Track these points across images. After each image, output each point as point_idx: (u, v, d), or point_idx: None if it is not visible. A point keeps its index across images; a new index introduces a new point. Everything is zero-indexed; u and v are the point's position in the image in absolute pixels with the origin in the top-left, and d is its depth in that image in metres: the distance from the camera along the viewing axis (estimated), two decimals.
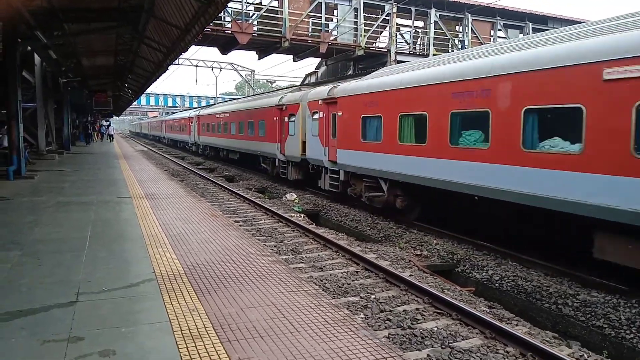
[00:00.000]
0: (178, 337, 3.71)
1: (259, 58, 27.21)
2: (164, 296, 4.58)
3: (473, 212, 10.32)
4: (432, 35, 26.82)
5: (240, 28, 22.23)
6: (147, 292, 4.69)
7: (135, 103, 59.52)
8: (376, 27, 25.84)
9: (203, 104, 63.77)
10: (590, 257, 7.18)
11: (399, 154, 11.10)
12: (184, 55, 22.41)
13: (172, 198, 10.85)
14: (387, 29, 26.47)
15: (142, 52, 19.24)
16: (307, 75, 33.16)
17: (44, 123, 20.56)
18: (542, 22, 28.97)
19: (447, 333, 5.44)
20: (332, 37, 24.93)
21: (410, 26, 27.75)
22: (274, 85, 50.19)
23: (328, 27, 25.00)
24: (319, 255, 8.72)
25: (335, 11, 25.76)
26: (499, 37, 28.58)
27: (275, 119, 18.76)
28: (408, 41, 27.88)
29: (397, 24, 26.50)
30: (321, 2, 24.03)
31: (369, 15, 25.24)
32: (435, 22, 26.84)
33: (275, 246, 9.14)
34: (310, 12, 23.95)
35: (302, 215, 12.99)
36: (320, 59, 30.44)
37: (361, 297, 6.51)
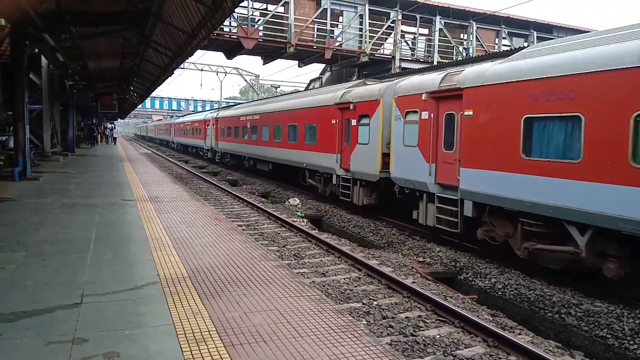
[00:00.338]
0: (182, 341, 3.73)
1: (264, 63, 27.36)
2: (168, 299, 4.60)
3: None
4: (436, 42, 26.92)
5: (246, 33, 22.39)
6: (151, 295, 4.72)
7: (140, 106, 59.76)
8: (381, 34, 25.97)
9: (207, 107, 63.42)
10: None
11: (629, 184, 6.42)
12: (190, 59, 22.44)
13: (176, 201, 10.90)
14: (392, 35, 26.60)
15: (149, 55, 19.35)
16: (311, 81, 33.36)
17: (49, 125, 20.68)
18: (547, 30, 29.04)
19: (450, 341, 5.43)
20: (337, 44, 25.06)
21: (414, 33, 27.88)
22: (278, 90, 50.46)
23: (333, 34, 25.13)
24: (321, 260, 8.74)
25: (340, 17, 25.96)
26: (503, 45, 28.66)
27: (334, 121, 14.60)
28: (414, 48, 28.00)
29: (402, 30, 26.62)
30: (327, 9, 24.14)
31: (374, 22, 25.38)
32: (440, 29, 26.94)
33: (278, 251, 9.17)
34: (315, 18, 24.09)
35: (304, 220, 13.01)
36: (324, 65, 30.59)
37: (364, 304, 6.51)
